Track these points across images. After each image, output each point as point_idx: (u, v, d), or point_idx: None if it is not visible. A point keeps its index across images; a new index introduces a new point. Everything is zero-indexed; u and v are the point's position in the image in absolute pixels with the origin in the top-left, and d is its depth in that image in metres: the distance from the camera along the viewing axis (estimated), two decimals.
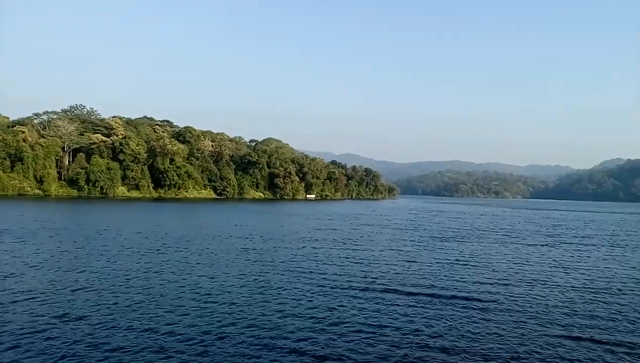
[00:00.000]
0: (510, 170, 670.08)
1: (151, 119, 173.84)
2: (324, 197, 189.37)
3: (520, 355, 14.22)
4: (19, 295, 19.11)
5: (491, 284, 24.40)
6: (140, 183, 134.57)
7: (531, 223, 77.88)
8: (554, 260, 34.53)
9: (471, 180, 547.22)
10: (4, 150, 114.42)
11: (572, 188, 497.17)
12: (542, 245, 43.92)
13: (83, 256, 29.16)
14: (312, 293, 21.18)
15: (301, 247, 37.09)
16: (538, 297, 21.74)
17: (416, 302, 19.94)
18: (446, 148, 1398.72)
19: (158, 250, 32.72)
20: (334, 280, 24.11)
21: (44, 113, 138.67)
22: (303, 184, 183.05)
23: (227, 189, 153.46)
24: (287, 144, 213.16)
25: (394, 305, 19.48)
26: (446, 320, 17.53)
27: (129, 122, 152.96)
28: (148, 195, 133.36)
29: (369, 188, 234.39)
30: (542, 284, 24.93)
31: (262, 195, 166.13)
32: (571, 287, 24.55)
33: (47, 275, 23.13)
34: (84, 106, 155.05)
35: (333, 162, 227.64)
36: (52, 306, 17.68)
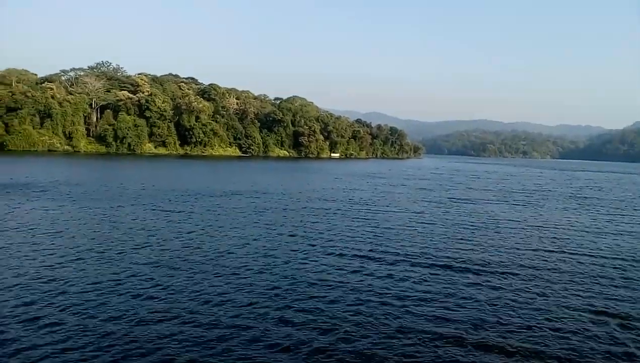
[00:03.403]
0: (540, 130, 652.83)
1: (176, 76, 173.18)
2: (348, 156, 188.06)
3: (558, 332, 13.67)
4: (72, 254, 19.18)
5: (518, 251, 23.72)
6: (166, 141, 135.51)
7: (559, 185, 75.99)
8: (584, 224, 33.50)
9: (499, 140, 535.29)
10: (33, 107, 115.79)
11: (602, 148, 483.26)
12: (572, 209, 42.74)
13: (131, 214, 29.45)
14: (334, 260, 20.88)
15: (328, 208, 36.85)
16: (565, 266, 20.99)
17: (438, 272, 19.12)
18: (474, 106, 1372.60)
19: (196, 207, 32.88)
20: (358, 248, 23.76)
21: (71, 70, 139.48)
22: (327, 143, 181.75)
23: (252, 147, 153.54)
24: (312, 102, 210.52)
25: (419, 274, 19.00)
26: (479, 293, 16.98)
27: (154, 79, 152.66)
28: (175, 152, 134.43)
29: (394, 148, 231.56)
30: (573, 252, 24.07)
31: (286, 153, 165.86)
32: (602, 254, 23.67)
33: (95, 235, 23.31)
34: (110, 63, 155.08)
35: (358, 121, 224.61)
36: (106, 265, 17.70)
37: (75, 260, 18.15)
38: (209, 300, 14.36)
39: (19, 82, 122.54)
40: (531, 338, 12.57)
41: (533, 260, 21.30)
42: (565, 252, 23.28)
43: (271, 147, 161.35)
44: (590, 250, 23.94)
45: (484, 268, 19.38)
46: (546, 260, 21.30)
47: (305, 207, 36.01)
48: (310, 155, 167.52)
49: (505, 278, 18.04)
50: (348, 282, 16.71)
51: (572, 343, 12.37)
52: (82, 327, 12.02)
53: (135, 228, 25.09)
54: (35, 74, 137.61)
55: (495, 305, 15.02)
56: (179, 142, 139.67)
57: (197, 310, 13.49)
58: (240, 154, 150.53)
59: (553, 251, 23.48)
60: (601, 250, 24.23)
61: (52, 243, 20.73)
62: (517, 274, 18.71)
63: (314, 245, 22.56)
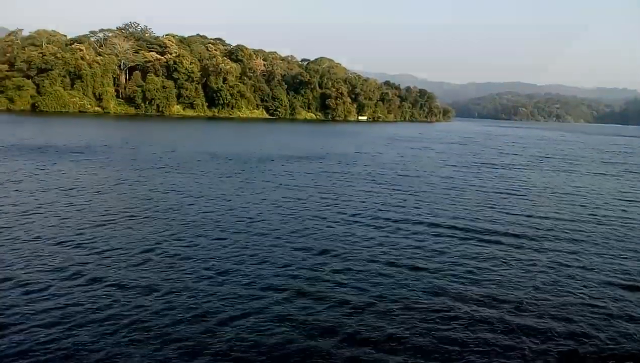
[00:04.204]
0: (575, 93, 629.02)
1: (204, 36, 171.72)
2: (376, 119, 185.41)
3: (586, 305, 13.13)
4: (105, 216, 19.31)
5: (552, 220, 22.93)
6: (194, 102, 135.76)
7: (592, 149, 73.49)
8: (620, 192, 32.28)
9: (532, 103, 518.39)
10: (63, 68, 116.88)
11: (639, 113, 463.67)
12: (607, 175, 41.25)
13: (162, 176, 29.75)
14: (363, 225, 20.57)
15: (356, 172, 36.48)
16: (602, 237, 20.18)
17: (469, 240, 18.58)
18: (507, 69, 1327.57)
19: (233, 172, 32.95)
20: (387, 216, 23.35)
21: (100, 31, 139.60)
22: (355, 105, 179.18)
23: (279, 110, 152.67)
24: (340, 64, 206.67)
25: (449, 244, 18.50)
26: (509, 262, 16.48)
27: (182, 40, 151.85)
28: (202, 114, 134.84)
29: (423, 110, 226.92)
30: (609, 222, 23.14)
31: (313, 116, 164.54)
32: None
33: (127, 197, 23.60)
34: (138, 24, 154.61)
35: (386, 83, 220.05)
36: (139, 228, 17.81)
37: (108, 222, 18.32)
38: (239, 269, 14.20)
39: (49, 43, 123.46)
40: (570, 317, 12.09)
41: (568, 229, 20.59)
42: (602, 223, 22.41)
43: (298, 109, 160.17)
44: (630, 220, 23.06)
45: (518, 240, 18.73)
46: (584, 231, 20.55)
47: (335, 172, 35.71)
48: (338, 118, 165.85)
49: (541, 250, 17.42)
50: (377, 252, 16.37)
51: (622, 324, 11.87)
52: (117, 292, 12.05)
53: (166, 190, 25.28)
54: (65, 35, 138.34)
55: (532, 281, 14.47)
56: (207, 104, 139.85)
57: (230, 276, 13.41)
58: (267, 116, 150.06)
59: (589, 221, 22.68)
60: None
61: (85, 205, 21.02)
62: (552, 246, 18.04)
63: (342, 212, 22.30)
